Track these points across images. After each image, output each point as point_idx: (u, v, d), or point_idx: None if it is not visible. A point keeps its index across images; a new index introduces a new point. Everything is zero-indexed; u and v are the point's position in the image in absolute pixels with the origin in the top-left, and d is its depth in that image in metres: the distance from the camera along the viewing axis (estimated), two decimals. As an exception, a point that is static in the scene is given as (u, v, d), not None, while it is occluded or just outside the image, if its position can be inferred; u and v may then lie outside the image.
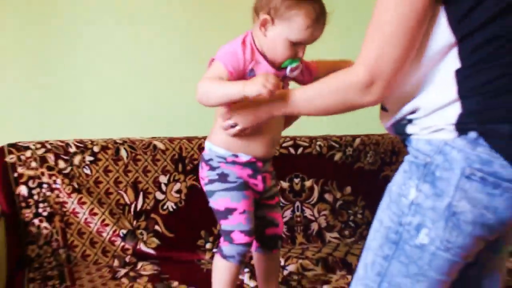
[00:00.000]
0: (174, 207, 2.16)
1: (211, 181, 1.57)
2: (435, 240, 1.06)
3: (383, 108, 1.21)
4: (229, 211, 1.54)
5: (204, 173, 1.58)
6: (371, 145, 2.51)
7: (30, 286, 1.77)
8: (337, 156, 2.45)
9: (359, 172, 2.49)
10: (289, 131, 2.42)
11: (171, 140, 2.23)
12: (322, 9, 1.43)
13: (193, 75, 2.41)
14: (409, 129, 1.13)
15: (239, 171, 1.54)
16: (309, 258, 2.08)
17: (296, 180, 2.36)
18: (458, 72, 1.05)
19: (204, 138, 2.19)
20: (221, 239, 1.56)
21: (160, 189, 2.15)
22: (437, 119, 1.07)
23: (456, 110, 1.04)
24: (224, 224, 1.55)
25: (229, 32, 2.40)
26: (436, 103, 1.07)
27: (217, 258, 1.56)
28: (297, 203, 2.34)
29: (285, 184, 2.33)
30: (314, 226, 2.35)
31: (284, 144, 2.36)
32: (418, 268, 1.08)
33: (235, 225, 1.53)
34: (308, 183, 2.38)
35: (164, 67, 2.43)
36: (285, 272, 1.98)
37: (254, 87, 1.29)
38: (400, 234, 1.09)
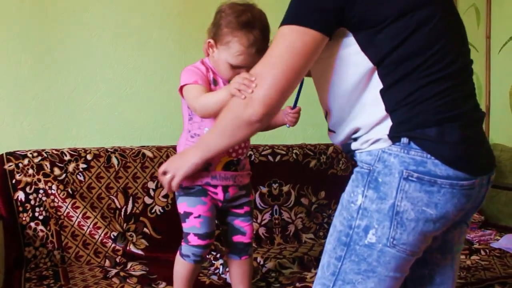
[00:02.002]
0: (162, 210, 2.20)
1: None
2: (381, 238, 1.12)
3: (331, 130, 1.28)
4: (186, 215, 1.61)
5: None
6: (343, 153, 2.50)
7: (27, 285, 1.79)
8: (312, 163, 2.50)
9: (332, 177, 2.53)
10: (268, 141, 2.53)
11: (159, 148, 2.27)
12: (257, 37, 1.51)
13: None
14: (353, 145, 1.21)
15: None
16: (286, 257, 2.12)
17: (275, 186, 2.40)
18: (382, 91, 1.13)
19: (190, 147, 2.29)
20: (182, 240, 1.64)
21: (148, 194, 2.19)
22: (374, 133, 1.14)
23: (388, 123, 1.13)
24: (183, 227, 1.63)
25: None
26: (371, 121, 1.15)
27: (177, 255, 1.65)
28: (276, 207, 2.38)
29: (264, 189, 2.37)
30: (291, 228, 2.40)
31: (264, 152, 2.41)
32: (367, 265, 1.14)
33: (190, 228, 1.60)
34: (285, 188, 2.42)
35: (153, 82, 2.46)
36: (264, 270, 2.02)
37: (232, 88, 1.26)
38: (351, 236, 1.15)
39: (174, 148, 2.28)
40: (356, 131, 1.19)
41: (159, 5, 2.45)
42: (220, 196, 1.64)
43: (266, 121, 1.18)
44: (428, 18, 1.12)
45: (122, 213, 2.15)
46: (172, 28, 2.48)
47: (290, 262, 2.08)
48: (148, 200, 2.20)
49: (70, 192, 2.08)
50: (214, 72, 1.60)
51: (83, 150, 2.16)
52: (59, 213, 2.06)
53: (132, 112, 2.44)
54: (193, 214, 1.60)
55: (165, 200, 2.22)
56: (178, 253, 1.65)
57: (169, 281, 1.83)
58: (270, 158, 2.44)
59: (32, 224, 2.03)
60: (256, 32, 1.51)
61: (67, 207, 2.07)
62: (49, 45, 2.28)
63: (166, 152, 2.27)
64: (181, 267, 1.64)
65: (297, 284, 1.88)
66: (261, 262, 2.07)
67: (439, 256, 1.27)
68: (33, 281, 1.83)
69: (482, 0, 3.17)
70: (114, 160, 2.18)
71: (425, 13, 1.12)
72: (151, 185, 2.21)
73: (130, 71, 2.42)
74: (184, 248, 1.62)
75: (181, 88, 1.58)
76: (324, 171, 2.53)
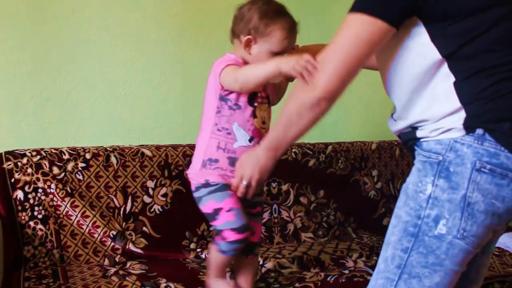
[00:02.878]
0: (161, 209, 2.19)
1: (197, 188, 1.65)
2: (452, 229, 1.10)
3: (393, 118, 1.28)
4: (216, 211, 1.59)
5: (192, 185, 1.69)
6: (342, 152, 2.56)
7: (26, 284, 1.78)
8: (311, 162, 2.50)
9: (331, 177, 2.53)
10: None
11: (158, 147, 2.26)
12: (293, 21, 1.59)
13: (179, 88, 2.55)
14: (419, 133, 1.19)
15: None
16: (285, 256, 2.12)
17: (274, 185, 2.40)
18: (455, 84, 1.12)
19: (188, 146, 2.31)
20: (216, 236, 1.64)
21: (147, 193, 2.19)
22: (445, 122, 1.13)
23: (461, 114, 1.12)
24: (215, 225, 1.62)
25: (213, 45, 2.54)
26: (442, 112, 1.14)
27: (213, 249, 1.64)
28: (275, 206, 2.38)
29: (263, 188, 2.32)
30: (290, 227, 2.40)
31: None
32: (435, 257, 1.12)
33: (224, 224, 1.58)
34: (284, 187, 2.42)
35: (152, 82, 2.46)
36: (263, 270, 2.01)
37: (288, 65, 1.35)
38: (419, 227, 1.13)
39: (173, 147, 2.29)
40: (422, 120, 1.18)
41: (157, 5, 2.45)
42: None
43: (328, 107, 1.22)
44: (509, 15, 1.12)
45: (121, 212, 2.14)
46: (170, 28, 2.48)
47: (289, 261, 2.08)
48: (147, 199, 2.19)
49: (69, 191, 2.08)
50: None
51: (82, 149, 2.16)
52: (58, 212, 2.06)
53: (131, 112, 2.44)
54: (224, 208, 1.58)
55: (164, 199, 2.22)
56: (213, 247, 1.65)
57: (169, 279, 1.85)
58: (269, 157, 2.42)
59: (31, 223, 2.02)
60: (289, 15, 1.59)
61: (66, 206, 2.06)
62: (47, 44, 2.28)
63: (165, 151, 2.26)
64: (218, 258, 1.65)
65: (297, 285, 1.88)
66: (260, 262, 2.06)
67: (479, 252, 1.24)
68: (32, 280, 1.83)
69: None
70: (113, 159, 2.17)
71: (505, 10, 1.12)
72: (150, 184, 2.21)
73: (129, 70, 2.43)
74: (221, 245, 1.61)
75: (221, 71, 1.56)
76: (323, 170, 2.53)
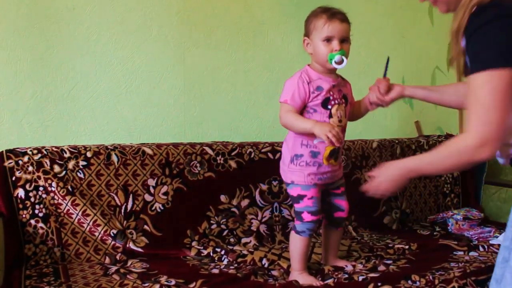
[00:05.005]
0: (162, 208, 2.20)
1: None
2: None
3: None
4: (300, 197, 1.90)
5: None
6: (343, 150, 2.54)
7: (27, 283, 1.79)
8: None
9: None
10: (267, 138, 2.55)
11: (159, 146, 2.27)
12: (333, 11, 1.82)
13: (180, 86, 2.56)
14: None
15: None
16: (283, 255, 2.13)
17: (275, 183, 2.41)
18: None
19: (189, 144, 2.32)
20: (294, 219, 1.93)
21: (148, 192, 2.19)
22: None
23: None
24: (296, 207, 1.91)
25: (214, 44, 2.55)
26: None
27: (292, 234, 1.93)
28: (276, 204, 2.39)
29: (264, 187, 2.38)
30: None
31: (263, 150, 2.42)
32: None
33: (304, 207, 1.89)
34: (285, 185, 2.37)
35: (152, 80, 2.47)
36: (265, 266, 2.04)
37: (320, 132, 1.75)
38: None
39: (173, 145, 2.30)
40: None
41: (158, 3, 2.46)
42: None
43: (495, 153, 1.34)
44: None
45: (122, 210, 2.15)
46: (171, 26, 2.49)
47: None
48: (148, 198, 2.20)
49: (70, 189, 2.08)
50: (319, 77, 1.86)
51: (83, 148, 2.16)
52: (59, 211, 2.06)
53: (132, 110, 2.45)
54: (307, 196, 1.89)
55: (165, 197, 2.23)
56: (292, 232, 1.93)
57: (170, 275, 1.88)
58: (270, 155, 2.44)
59: (32, 222, 2.03)
60: (333, 9, 1.83)
61: (67, 204, 2.07)
62: (48, 42, 2.29)
63: (166, 150, 2.27)
64: (298, 242, 1.91)
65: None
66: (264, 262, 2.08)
67: None
68: (33, 279, 1.84)
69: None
70: (114, 158, 2.18)
71: None
72: (151, 182, 2.21)
73: (130, 69, 2.43)
74: (299, 226, 1.90)
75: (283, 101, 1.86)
76: (324, 169, 2.52)
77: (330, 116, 1.86)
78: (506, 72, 1.21)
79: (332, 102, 1.86)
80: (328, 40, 1.81)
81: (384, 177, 1.55)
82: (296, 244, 1.92)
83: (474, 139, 1.26)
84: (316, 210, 1.89)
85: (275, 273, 2.00)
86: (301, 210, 1.89)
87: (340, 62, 1.79)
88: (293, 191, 1.92)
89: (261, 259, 2.10)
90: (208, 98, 2.59)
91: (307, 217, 1.88)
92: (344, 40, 1.82)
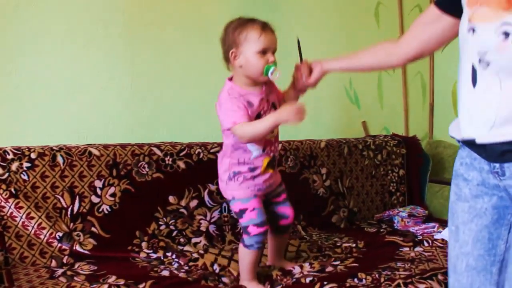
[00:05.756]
0: (109, 209, 2.18)
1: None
2: None
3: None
4: (242, 211, 1.89)
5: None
6: (292, 150, 2.60)
7: None
8: None
9: (281, 175, 2.44)
10: (216, 138, 2.55)
11: (106, 146, 2.24)
12: (262, 21, 1.78)
13: (128, 86, 2.53)
14: None
15: None
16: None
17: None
18: None
19: (137, 145, 2.29)
20: (242, 233, 1.91)
21: (95, 193, 2.17)
22: None
23: None
24: (241, 222, 1.91)
25: (162, 42, 2.53)
26: None
27: (240, 247, 1.91)
28: (224, 204, 2.39)
29: (213, 187, 2.38)
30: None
31: (212, 150, 2.41)
32: None
33: (248, 221, 1.88)
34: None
35: (99, 80, 2.44)
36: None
37: (283, 117, 1.72)
38: None
39: (121, 146, 2.29)
40: None
41: (103, 1, 2.43)
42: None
43: None
44: None
45: (69, 212, 2.12)
46: (118, 25, 2.47)
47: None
48: (95, 199, 2.17)
49: (13, 192, 2.04)
50: (247, 92, 1.82)
51: (27, 149, 2.12)
52: (1, 214, 2.01)
53: (79, 110, 2.41)
54: (248, 208, 1.88)
55: (112, 199, 2.21)
56: (241, 246, 1.91)
57: (119, 276, 1.87)
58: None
59: (-26, 225, 1.97)
60: (258, 20, 1.78)
61: (10, 207, 2.02)
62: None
63: (113, 151, 2.25)
64: (247, 256, 1.90)
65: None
66: (215, 268, 2.07)
67: None
68: (-25, 284, 1.79)
69: (427, 1, 3.27)
70: (60, 159, 2.14)
71: None
72: (98, 183, 2.19)
73: (77, 68, 2.39)
74: (247, 239, 1.89)
75: (230, 129, 1.82)
76: (273, 168, 2.55)
77: None
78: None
79: (264, 116, 1.83)
80: (264, 52, 1.76)
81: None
82: (245, 257, 1.91)
83: None
84: (261, 222, 1.88)
85: (225, 279, 2.00)
86: (247, 224, 1.88)
87: (274, 74, 1.77)
88: (234, 207, 1.92)
89: (212, 264, 2.10)
90: (156, 98, 2.57)
91: (253, 230, 1.87)
92: (274, 51, 1.80)
